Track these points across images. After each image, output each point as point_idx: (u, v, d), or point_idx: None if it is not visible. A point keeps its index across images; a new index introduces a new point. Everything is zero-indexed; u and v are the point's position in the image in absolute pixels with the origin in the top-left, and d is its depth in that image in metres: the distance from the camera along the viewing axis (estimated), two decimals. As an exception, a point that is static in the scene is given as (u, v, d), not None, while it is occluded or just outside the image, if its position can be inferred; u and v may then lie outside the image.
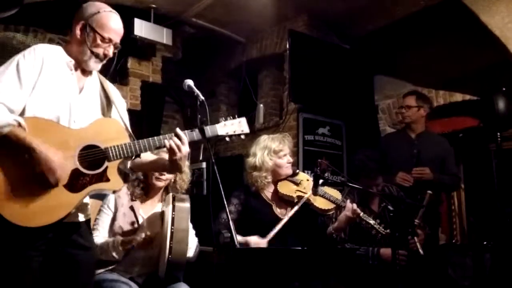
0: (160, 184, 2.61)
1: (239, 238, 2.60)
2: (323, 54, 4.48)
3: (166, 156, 1.96)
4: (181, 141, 1.88)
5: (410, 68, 4.73)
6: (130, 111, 4.55)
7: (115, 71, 4.70)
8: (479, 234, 4.30)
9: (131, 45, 4.72)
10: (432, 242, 3.48)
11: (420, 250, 2.69)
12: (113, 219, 2.51)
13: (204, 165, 4.55)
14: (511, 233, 3.59)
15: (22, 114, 1.75)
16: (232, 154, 5.24)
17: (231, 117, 2.05)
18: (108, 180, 1.83)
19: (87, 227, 1.99)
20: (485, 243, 3.78)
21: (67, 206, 1.76)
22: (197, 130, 1.94)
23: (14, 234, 1.68)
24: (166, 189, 2.70)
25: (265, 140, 2.85)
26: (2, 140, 1.65)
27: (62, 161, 1.72)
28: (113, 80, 4.57)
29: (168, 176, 2.61)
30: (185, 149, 1.90)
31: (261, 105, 5.16)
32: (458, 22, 3.97)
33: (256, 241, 2.59)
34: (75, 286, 1.85)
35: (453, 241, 4.61)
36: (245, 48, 5.40)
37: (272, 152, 2.77)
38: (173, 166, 1.92)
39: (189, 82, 1.99)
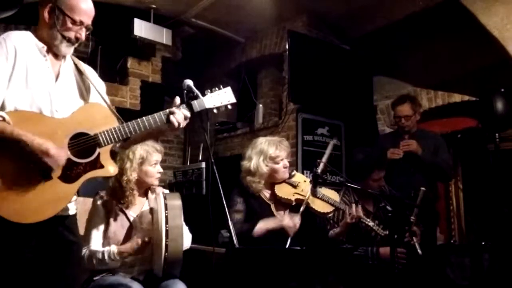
0: (158, 181, 2.61)
1: (270, 225, 2.60)
2: (322, 55, 4.49)
3: None
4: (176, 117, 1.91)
5: (409, 69, 4.75)
6: (130, 111, 4.62)
7: (114, 71, 4.73)
8: (478, 234, 4.31)
9: (131, 45, 4.74)
10: (430, 241, 3.49)
11: (419, 250, 2.71)
12: (106, 226, 2.48)
13: (203, 165, 4.56)
14: (509, 233, 3.61)
15: (2, 109, 1.69)
16: (231, 154, 5.24)
17: (217, 88, 2.03)
18: (102, 166, 1.81)
19: (75, 221, 1.97)
20: (483, 243, 3.79)
21: (64, 198, 1.75)
22: (184, 105, 1.94)
23: (7, 231, 1.66)
24: None
25: (261, 144, 2.79)
26: None
27: (57, 147, 1.69)
28: (113, 80, 4.61)
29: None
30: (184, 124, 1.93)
31: (260, 105, 5.17)
32: (457, 23, 3.99)
33: (287, 222, 2.58)
34: (63, 280, 1.84)
35: (452, 241, 4.62)
36: (245, 48, 5.41)
37: (269, 158, 2.73)
38: (172, 131, 1.97)
39: (189, 82, 1.99)
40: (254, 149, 2.79)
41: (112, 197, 2.54)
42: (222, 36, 5.22)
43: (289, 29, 4.45)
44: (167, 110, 1.91)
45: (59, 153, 1.69)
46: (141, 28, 4.50)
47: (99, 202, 2.51)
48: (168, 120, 1.90)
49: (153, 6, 4.56)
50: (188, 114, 1.93)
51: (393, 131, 4.18)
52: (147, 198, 2.64)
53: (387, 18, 4.36)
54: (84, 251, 2.36)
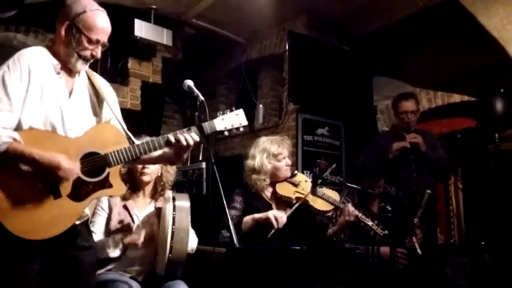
0: (146, 178, 2.58)
1: (257, 215, 2.64)
2: (322, 55, 4.50)
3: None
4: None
5: (409, 69, 4.76)
6: (130, 112, 4.64)
7: (115, 71, 4.74)
8: (477, 234, 4.32)
9: (132, 46, 4.75)
10: (431, 242, 3.50)
11: (418, 250, 2.72)
12: (108, 220, 2.51)
13: (204, 165, 4.56)
14: (509, 233, 3.61)
15: (16, 129, 1.70)
16: (232, 154, 5.25)
17: (229, 110, 2.00)
18: (111, 186, 1.82)
19: (86, 227, 1.98)
20: (483, 243, 3.79)
21: (72, 216, 1.76)
22: (195, 127, 1.91)
23: (15, 246, 1.67)
24: (155, 185, 2.68)
25: (264, 142, 2.84)
26: (1, 157, 1.63)
27: (69, 158, 1.71)
28: (113, 81, 4.62)
29: (152, 170, 2.59)
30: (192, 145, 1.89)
31: (261, 106, 5.18)
32: (457, 24, 3.99)
33: (275, 213, 2.60)
34: (77, 286, 1.84)
35: (451, 241, 4.63)
36: (245, 48, 5.42)
37: (271, 155, 2.77)
38: (177, 159, 1.94)
39: (189, 82, 1.99)
40: (257, 148, 2.83)
41: None
42: (223, 37, 5.23)
43: (289, 30, 4.46)
44: (177, 132, 1.88)
45: (71, 165, 1.72)
46: (142, 29, 4.51)
47: (106, 197, 2.53)
48: (177, 140, 1.86)
49: (154, 6, 4.57)
50: (197, 138, 1.88)
51: (389, 131, 4.16)
52: (155, 201, 2.64)
53: (387, 18, 4.37)
54: None
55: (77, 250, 1.85)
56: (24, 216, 1.66)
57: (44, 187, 1.70)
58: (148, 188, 2.66)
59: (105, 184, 1.81)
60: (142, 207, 2.60)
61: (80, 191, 1.76)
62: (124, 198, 2.56)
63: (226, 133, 1.98)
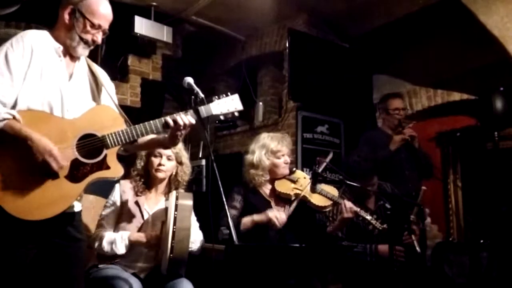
0: (161, 175, 2.60)
1: (256, 217, 2.64)
2: (322, 53, 4.50)
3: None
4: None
5: (409, 67, 4.76)
6: (130, 108, 4.63)
7: (115, 68, 4.74)
8: (476, 233, 4.32)
9: (132, 43, 4.74)
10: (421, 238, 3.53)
11: (417, 248, 2.72)
12: (119, 214, 2.53)
13: (203, 162, 4.57)
14: (508, 231, 3.62)
15: (14, 106, 1.73)
16: (231, 151, 5.26)
17: (224, 95, 2.03)
18: (108, 167, 1.84)
19: (80, 218, 1.99)
20: (481, 241, 3.80)
21: (69, 197, 1.77)
22: (191, 110, 1.95)
23: (12, 227, 1.68)
24: (169, 183, 2.69)
25: (264, 138, 2.86)
26: None
27: (62, 151, 1.73)
28: (113, 78, 4.61)
29: (168, 167, 2.61)
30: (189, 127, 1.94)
31: (260, 103, 5.18)
32: (457, 22, 3.99)
33: (275, 213, 2.61)
34: (66, 278, 1.85)
35: (450, 239, 4.63)
36: (245, 46, 5.41)
37: (270, 152, 2.79)
38: (172, 141, 1.99)
39: (189, 79, 2.00)
40: (257, 143, 2.86)
41: (131, 188, 2.59)
42: (222, 34, 5.23)
43: (289, 27, 4.46)
44: (174, 114, 1.93)
45: (62, 156, 1.72)
46: (142, 26, 4.50)
47: (118, 192, 2.56)
48: (174, 121, 1.91)
49: (154, 3, 4.56)
50: (193, 120, 1.94)
51: (375, 130, 4.13)
52: (166, 198, 2.64)
53: (387, 16, 4.36)
54: (99, 231, 2.45)
55: (68, 240, 1.86)
56: (20, 196, 1.67)
57: (43, 163, 1.70)
58: (162, 186, 2.67)
59: (103, 165, 1.83)
60: (153, 204, 2.61)
61: (78, 172, 1.77)
62: (137, 194, 2.58)
63: (221, 117, 2.02)
